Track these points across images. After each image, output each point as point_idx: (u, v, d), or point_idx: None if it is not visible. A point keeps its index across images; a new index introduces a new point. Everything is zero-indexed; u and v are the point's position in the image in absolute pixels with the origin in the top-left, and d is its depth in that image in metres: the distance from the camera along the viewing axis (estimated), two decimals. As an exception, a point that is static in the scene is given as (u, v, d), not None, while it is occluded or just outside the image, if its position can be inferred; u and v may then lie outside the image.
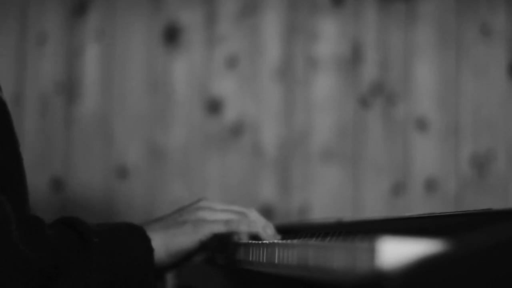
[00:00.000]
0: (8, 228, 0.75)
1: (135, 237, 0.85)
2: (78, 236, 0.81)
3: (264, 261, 0.76)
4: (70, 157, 1.68)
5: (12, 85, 1.67)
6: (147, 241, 0.85)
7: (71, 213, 0.90)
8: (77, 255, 0.79)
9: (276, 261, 0.71)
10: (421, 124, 1.79)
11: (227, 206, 0.94)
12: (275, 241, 0.89)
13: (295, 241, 0.80)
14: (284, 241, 0.80)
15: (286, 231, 1.00)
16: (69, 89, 1.69)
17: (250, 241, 0.89)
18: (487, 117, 1.81)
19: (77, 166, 1.68)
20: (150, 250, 0.85)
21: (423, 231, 0.74)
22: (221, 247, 0.94)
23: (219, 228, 0.90)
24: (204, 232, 0.89)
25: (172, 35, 1.74)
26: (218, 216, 0.91)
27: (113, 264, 0.82)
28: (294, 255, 0.64)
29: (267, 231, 0.94)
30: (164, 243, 0.87)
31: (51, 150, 1.67)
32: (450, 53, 1.81)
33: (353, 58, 1.79)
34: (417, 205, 1.76)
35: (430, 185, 1.78)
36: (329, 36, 1.78)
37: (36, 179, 1.65)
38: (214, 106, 1.74)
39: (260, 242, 0.83)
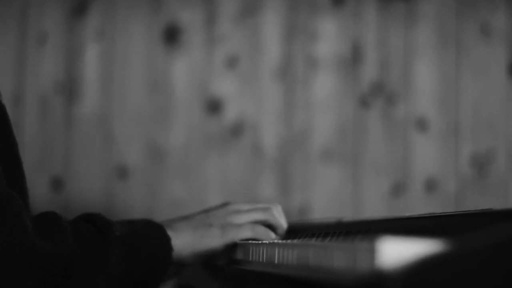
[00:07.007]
0: (22, 221, 0.76)
1: (154, 234, 0.87)
2: (98, 229, 0.83)
3: (264, 261, 0.76)
4: (70, 157, 1.68)
5: (12, 85, 1.67)
6: (166, 239, 0.87)
7: (71, 213, 0.90)
8: (96, 247, 0.80)
9: (276, 261, 0.71)
10: (421, 124, 1.79)
11: (254, 205, 0.97)
12: (275, 241, 0.89)
13: (295, 241, 0.80)
14: (284, 241, 0.80)
15: (286, 231, 1.00)
16: (69, 89, 1.69)
17: (250, 241, 0.89)
18: (487, 117, 1.81)
19: (77, 166, 1.68)
20: (169, 248, 0.87)
21: (423, 231, 0.74)
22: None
23: (246, 234, 0.93)
24: (231, 237, 0.92)
25: (172, 35, 1.74)
26: (244, 218, 0.94)
27: (132, 258, 0.83)
28: (294, 255, 0.64)
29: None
30: (191, 243, 0.90)
31: (51, 150, 1.67)
32: (450, 53, 1.81)
33: (353, 58, 1.79)
34: (417, 205, 1.76)
35: (430, 185, 1.78)
36: (329, 36, 1.78)
37: (36, 179, 1.65)
38: (214, 106, 1.74)
39: (260, 242, 0.83)
